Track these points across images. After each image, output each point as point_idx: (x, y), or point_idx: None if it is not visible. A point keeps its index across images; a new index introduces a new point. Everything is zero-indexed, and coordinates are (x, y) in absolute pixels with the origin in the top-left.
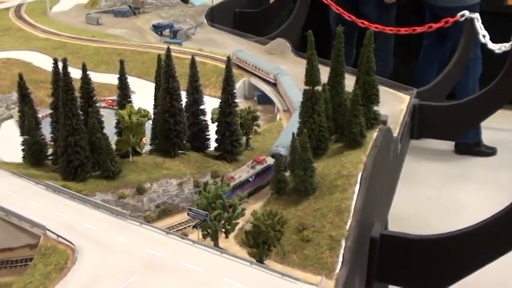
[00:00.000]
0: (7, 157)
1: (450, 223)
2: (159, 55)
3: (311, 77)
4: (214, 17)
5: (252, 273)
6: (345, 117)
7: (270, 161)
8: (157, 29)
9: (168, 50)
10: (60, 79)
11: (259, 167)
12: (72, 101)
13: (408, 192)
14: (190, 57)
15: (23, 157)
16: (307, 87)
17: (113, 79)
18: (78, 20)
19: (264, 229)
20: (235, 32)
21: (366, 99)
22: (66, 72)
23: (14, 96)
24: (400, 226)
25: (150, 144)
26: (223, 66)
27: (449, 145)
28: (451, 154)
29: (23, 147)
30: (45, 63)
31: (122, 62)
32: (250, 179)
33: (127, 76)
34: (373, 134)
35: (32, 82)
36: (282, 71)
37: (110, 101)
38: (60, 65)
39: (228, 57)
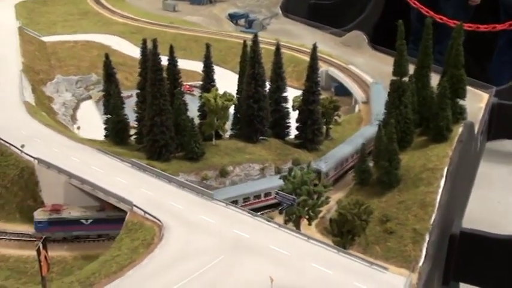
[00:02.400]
0: (86, 135)
1: None
2: (244, 41)
3: (399, 67)
4: (289, 7)
5: (339, 261)
6: (431, 110)
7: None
8: (233, 18)
9: (255, 36)
10: (148, 59)
11: (102, 214)
12: (161, 82)
13: (479, 193)
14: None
15: (105, 135)
16: (394, 78)
17: (190, 65)
18: (154, 6)
19: (350, 218)
20: (310, 23)
21: (452, 93)
22: (155, 53)
23: (93, 77)
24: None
25: (231, 129)
26: (300, 56)
27: None
28: None
29: (105, 126)
30: (123, 46)
31: (208, 46)
32: (84, 221)
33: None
34: (458, 129)
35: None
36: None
37: (188, 86)
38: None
39: (314, 45)
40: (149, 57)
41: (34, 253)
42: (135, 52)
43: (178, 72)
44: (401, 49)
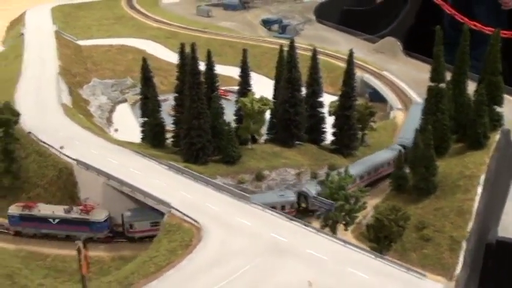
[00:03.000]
0: (121, 138)
1: None
2: (281, 45)
3: (437, 73)
4: (323, 13)
5: (377, 266)
6: (468, 117)
7: (98, 216)
8: (267, 23)
9: (292, 40)
10: (186, 64)
11: (72, 215)
12: (199, 85)
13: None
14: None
15: (142, 138)
16: (431, 84)
17: (224, 70)
18: (188, 11)
19: (387, 223)
20: (343, 29)
21: (489, 99)
22: (194, 57)
23: (129, 81)
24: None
25: (267, 134)
26: (334, 62)
27: None
28: None
29: (142, 129)
30: (158, 51)
31: (245, 51)
32: (51, 220)
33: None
34: (495, 136)
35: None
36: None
37: (222, 90)
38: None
39: (351, 51)
40: (187, 61)
41: (72, 252)
42: (169, 56)
43: (215, 76)
44: (438, 55)
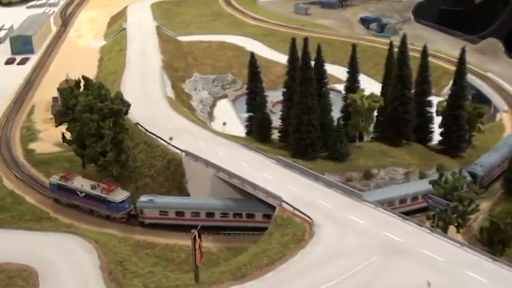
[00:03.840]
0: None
1: None
2: (391, 42)
3: None
4: (421, 12)
5: (494, 269)
6: None
7: (120, 196)
8: (365, 22)
9: (404, 36)
10: (296, 58)
11: (95, 192)
12: (310, 81)
13: None
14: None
15: (247, 132)
16: None
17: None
18: (285, 9)
19: (503, 227)
20: (442, 29)
21: None
22: (305, 52)
23: (229, 76)
24: None
25: (373, 131)
26: (435, 61)
27: None
28: None
29: (247, 123)
30: (256, 48)
31: (354, 47)
32: (78, 193)
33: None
34: None
35: (246, 65)
36: None
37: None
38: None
39: (463, 49)
40: (297, 56)
41: (180, 242)
42: (268, 53)
43: (325, 72)
44: None
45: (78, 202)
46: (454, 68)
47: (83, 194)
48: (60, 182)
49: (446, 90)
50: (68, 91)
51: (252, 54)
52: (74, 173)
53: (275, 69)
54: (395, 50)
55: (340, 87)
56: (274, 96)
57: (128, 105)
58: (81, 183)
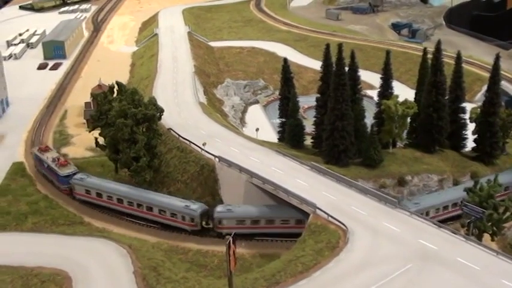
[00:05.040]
0: (256, 137)
1: None
2: (425, 48)
3: None
4: (452, 18)
5: None
6: None
7: (67, 170)
8: (396, 27)
9: (439, 42)
10: (330, 64)
11: (52, 164)
12: (344, 86)
13: None
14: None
15: (279, 138)
16: None
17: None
18: (316, 15)
19: None
20: (474, 35)
21: None
22: (340, 57)
23: (261, 82)
24: None
25: (406, 138)
26: (467, 67)
27: None
28: None
29: (280, 129)
30: (288, 53)
31: (388, 53)
32: (44, 164)
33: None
34: None
35: (277, 71)
36: None
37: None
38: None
39: (497, 55)
40: (331, 62)
41: (213, 248)
42: (299, 59)
43: (358, 78)
44: None
45: (44, 172)
46: (486, 74)
47: (46, 165)
48: (37, 153)
49: (479, 96)
50: (102, 96)
51: (285, 60)
52: (50, 147)
53: (306, 75)
54: (429, 56)
55: (372, 93)
56: (305, 102)
57: (162, 111)
58: (50, 156)
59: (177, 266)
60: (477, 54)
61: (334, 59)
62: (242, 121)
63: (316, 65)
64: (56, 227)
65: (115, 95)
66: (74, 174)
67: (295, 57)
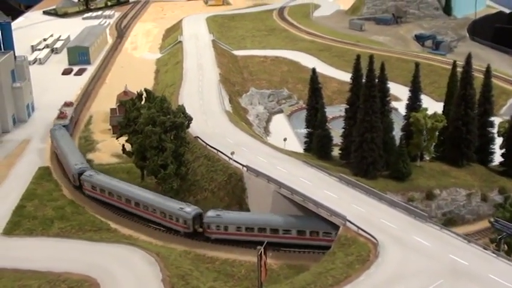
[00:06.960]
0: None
1: None
2: (454, 61)
3: None
4: (476, 31)
5: None
6: None
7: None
8: (420, 39)
9: (469, 56)
10: (360, 76)
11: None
12: (374, 98)
13: None
14: (459, 70)
15: (305, 148)
16: None
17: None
18: (340, 25)
19: None
20: (497, 47)
21: None
22: (371, 69)
23: (285, 92)
24: None
25: (434, 151)
26: (492, 80)
27: None
28: None
29: (306, 139)
30: (311, 63)
31: (417, 65)
32: None
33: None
34: None
35: (301, 80)
36: None
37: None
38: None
39: None
40: (361, 73)
41: (239, 257)
42: (323, 69)
43: (388, 90)
44: None
45: None
46: (511, 88)
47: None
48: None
49: (504, 110)
50: (130, 103)
51: (314, 70)
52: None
53: (330, 85)
54: (459, 69)
55: (397, 104)
56: (330, 112)
57: (190, 119)
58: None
59: (205, 275)
60: (501, 67)
61: (366, 70)
62: (266, 130)
63: (340, 75)
64: (82, 233)
65: (143, 102)
66: (64, 126)
67: (319, 67)
